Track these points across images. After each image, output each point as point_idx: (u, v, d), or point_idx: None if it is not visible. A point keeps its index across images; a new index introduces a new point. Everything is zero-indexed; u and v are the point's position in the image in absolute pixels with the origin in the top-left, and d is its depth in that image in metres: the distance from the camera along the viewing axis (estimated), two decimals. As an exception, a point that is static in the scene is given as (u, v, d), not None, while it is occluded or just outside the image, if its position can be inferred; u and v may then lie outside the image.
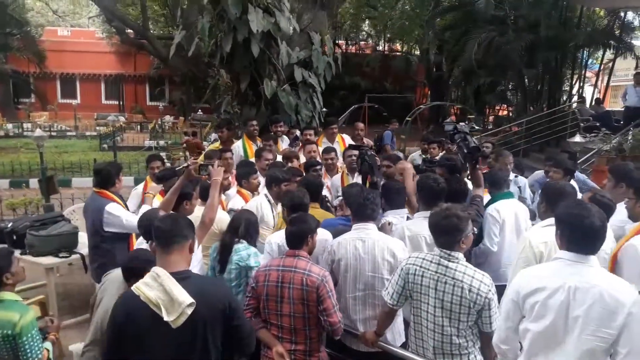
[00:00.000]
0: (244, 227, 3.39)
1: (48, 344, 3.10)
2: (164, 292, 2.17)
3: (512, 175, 5.25)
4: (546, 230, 2.91)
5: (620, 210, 3.44)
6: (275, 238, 3.44)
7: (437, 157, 5.53)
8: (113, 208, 4.20)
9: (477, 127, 6.06)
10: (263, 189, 4.54)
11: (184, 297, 2.17)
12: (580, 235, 2.27)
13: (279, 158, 5.70)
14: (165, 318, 2.14)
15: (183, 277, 2.26)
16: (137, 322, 2.22)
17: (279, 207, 4.15)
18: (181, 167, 4.17)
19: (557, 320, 2.25)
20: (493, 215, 3.95)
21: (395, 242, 3.21)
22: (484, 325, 2.66)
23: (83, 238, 5.12)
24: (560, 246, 2.39)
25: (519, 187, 5.14)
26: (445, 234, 2.68)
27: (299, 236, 2.97)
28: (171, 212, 3.33)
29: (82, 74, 29.36)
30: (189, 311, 2.17)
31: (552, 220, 2.62)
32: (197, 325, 2.23)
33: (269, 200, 4.27)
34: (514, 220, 4.00)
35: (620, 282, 2.28)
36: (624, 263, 2.92)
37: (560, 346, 2.26)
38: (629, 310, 2.12)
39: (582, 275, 2.23)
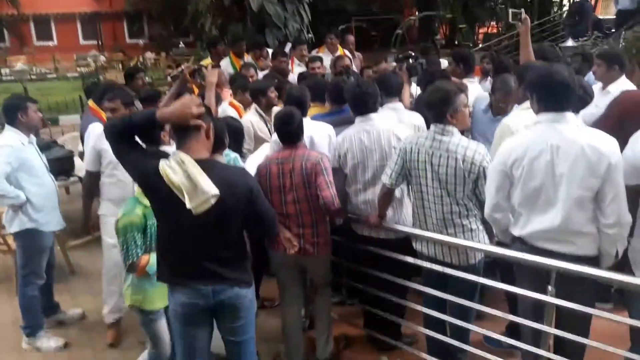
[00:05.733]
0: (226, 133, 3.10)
1: (154, 256, 2.59)
2: (188, 178, 2.14)
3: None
4: (525, 113, 2.93)
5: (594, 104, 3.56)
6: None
7: None
8: (93, 131, 3.72)
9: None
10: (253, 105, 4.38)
11: (209, 187, 2.15)
12: (553, 91, 2.36)
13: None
14: (188, 205, 2.14)
15: (208, 167, 2.23)
16: (161, 194, 2.22)
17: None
18: (175, 72, 4.11)
19: (544, 179, 2.36)
20: None
21: (401, 127, 3.22)
22: (482, 194, 2.73)
23: (79, 162, 5.18)
24: (537, 111, 2.48)
25: None
26: (435, 106, 2.75)
27: (295, 134, 2.98)
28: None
29: (56, 14, 28.11)
30: (213, 201, 2.16)
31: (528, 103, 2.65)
32: (219, 213, 2.23)
33: (260, 114, 4.18)
34: None
35: (599, 134, 2.37)
36: None
37: (551, 203, 2.39)
38: (609, 161, 2.25)
39: (562, 133, 2.33)
